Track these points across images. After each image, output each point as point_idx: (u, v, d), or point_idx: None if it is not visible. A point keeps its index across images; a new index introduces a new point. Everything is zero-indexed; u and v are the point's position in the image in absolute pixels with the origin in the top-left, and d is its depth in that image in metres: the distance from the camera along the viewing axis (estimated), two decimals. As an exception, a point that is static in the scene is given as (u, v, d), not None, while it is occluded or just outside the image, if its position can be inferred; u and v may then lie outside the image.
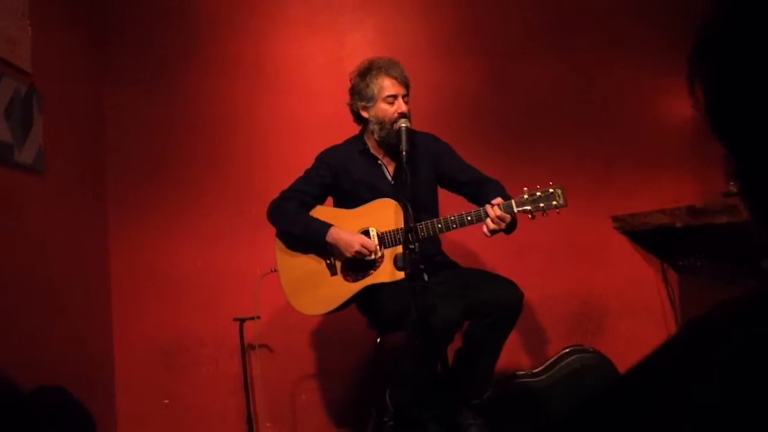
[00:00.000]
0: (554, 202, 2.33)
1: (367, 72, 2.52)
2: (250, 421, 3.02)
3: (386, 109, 2.48)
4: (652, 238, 3.47)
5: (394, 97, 2.48)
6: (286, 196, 2.61)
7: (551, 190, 2.34)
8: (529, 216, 2.35)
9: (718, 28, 0.49)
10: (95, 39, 3.26)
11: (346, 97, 3.38)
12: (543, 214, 2.35)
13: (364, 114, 2.55)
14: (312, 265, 2.56)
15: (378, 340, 2.63)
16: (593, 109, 3.59)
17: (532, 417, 2.94)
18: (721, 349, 0.47)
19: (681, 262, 3.43)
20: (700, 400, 0.45)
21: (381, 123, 2.51)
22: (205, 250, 3.25)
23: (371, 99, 2.50)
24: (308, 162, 2.71)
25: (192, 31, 3.37)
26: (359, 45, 3.48)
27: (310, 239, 2.54)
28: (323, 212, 2.61)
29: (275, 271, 2.62)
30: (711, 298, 0.52)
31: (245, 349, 3.07)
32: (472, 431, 2.46)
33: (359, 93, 2.53)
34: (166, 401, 3.18)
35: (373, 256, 2.48)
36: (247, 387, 3.08)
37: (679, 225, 2.94)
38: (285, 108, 3.38)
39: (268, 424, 3.20)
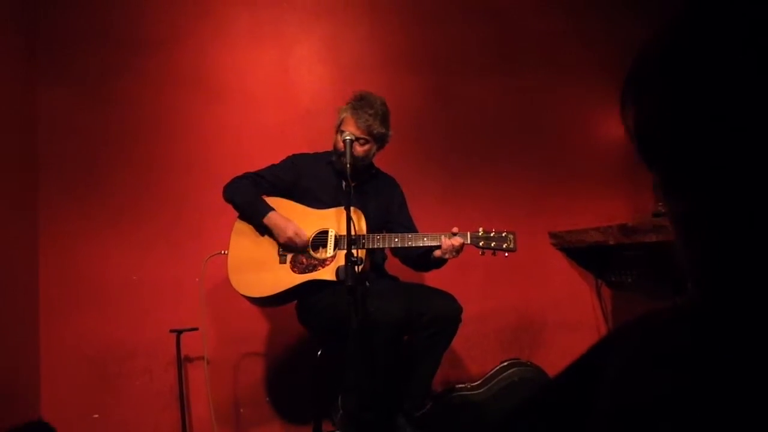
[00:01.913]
0: (505, 245, 2.48)
1: (348, 102, 2.63)
2: (184, 435, 2.94)
3: (338, 141, 2.59)
4: (586, 255, 3.60)
5: None
6: (246, 175, 2.68)
7: (504, 234, 2.49)
8: (480, 252, 2.49)
9: (652, 57, 0.52)
10: (28, 41, 3.13)
11: (290, 109, 3.41)
12: (493, 254, 2.50)
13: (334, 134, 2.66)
14: (263, 249, 2.58)
15: (319, 352, 2.62)
16: (532, 129, 3.70)
17: (470, 429, 2.98)
18: (641, 349, 0.50)
19: (613, 278, 3.56)
20: (624, 396, 0.47)
21: (335, 149, 2.64)
22: (140, 260, 3.16)
23: (337, 126, 2.63)
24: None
25: (132, 37, 3.28)
26: (305, 57, 3.48)
27: (250, 215, 2.60)
28: (289, 205, 2.63)
29: (224, 253, 2.62)
30: (640, 312, 0.56)
31: (181, 361, 2.99)
32: (410, 444, 2.48)
33: (338, 116, 2.65)
34: (96, 415, 3.06)
35: (321, 255, 2.51)
36: (182, 400, 2.99)
37: (611, 243, 3.06)
38: (227, 118, 3.33)
39: (203, 439, 3.12)
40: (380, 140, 2.64)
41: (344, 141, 2.45)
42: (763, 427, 0.39)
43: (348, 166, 2.37)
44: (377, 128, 2.57)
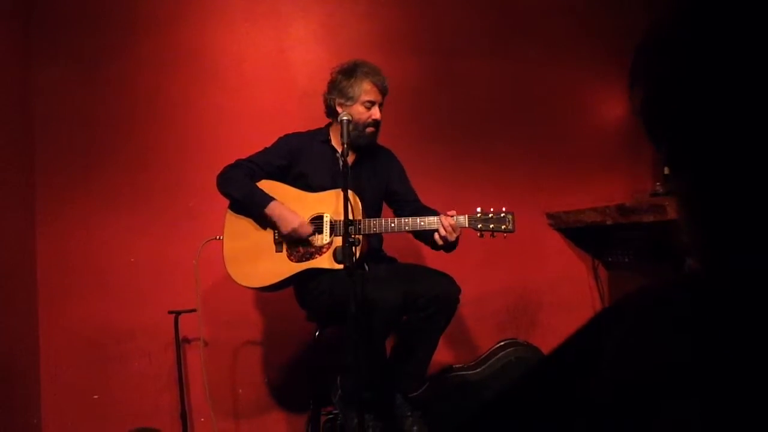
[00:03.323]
0: (503, 226, 2.44)
1: (352, 72, 2.58)
2: (184, 416, 2.96)
3: (362, 112, 2.55)
4: (584, 235, 3.60)
5: (372, 103, 2.56)
6: (239, 164, 2.62)
7: (503, 215, 2.45)
8: (478, 234, 2.45)
9: (661, 36, 0.52)
10: (23, 21, 3.09)
11: (288, 89, 3.37)
12: (491, 236, 2.45)
13: (339, 109, 2.59)
14: (259, 237, 2.55)
15: (317, 333, 2.63)
16: (531, 109, 3.69)
17: (467, 408, 3.00)
18: (641, 322, 0.50)
19: (610, 258, 3.57)
20: (624, 367, 0.48)
21: (355, 124, 2.55)
22: (138, 242, 3.15)
23: (350, 98, 2.56)
24: (246, 154, 2.67)
25: (127, 17, 3.24)
26: (302, 36, 3.45)
27: (249, 207, 2.55)
28: (283, 189, 2.60)
29: (219, 238, 2.59)
30: (635, 288, 0.56)
31: (180, 343, 3.00)
32: (408, 423, 2.50)
33: (340, 90, 2.58)
34: (96, 396, 3.08)
35: (318, 242, 2.50)
36: (181, 381, 3.01)
37: (609, 222, 3.06)
38: (223, 98, 3.30)
39: (202, 419, 3.15)
40: None
41: (341, 122, 2.41)
42: (763, 397, 0.40)
43: (345, 146, 2.35)
44: (387, 86, 2.60)
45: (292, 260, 2.51)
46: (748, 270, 0.46)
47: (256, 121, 3.28)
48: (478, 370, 3.13)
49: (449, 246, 2.47)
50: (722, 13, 0.46)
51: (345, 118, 2.42)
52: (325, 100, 2.66)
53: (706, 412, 0.41)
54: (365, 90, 2.54)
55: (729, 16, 0.46)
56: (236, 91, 3.33)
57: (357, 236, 2.27)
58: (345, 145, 2.35)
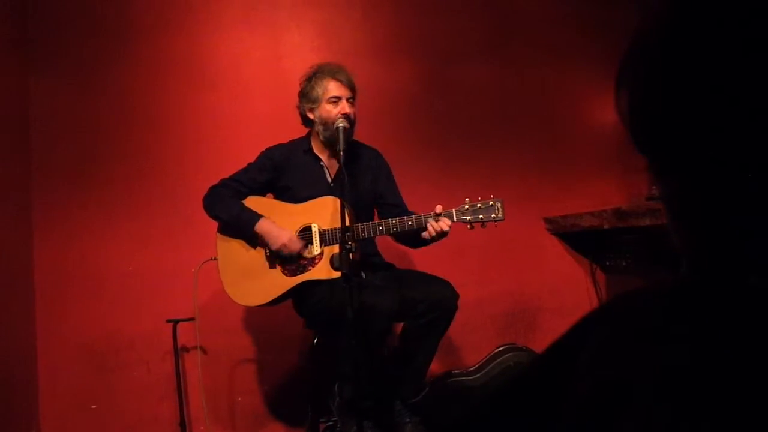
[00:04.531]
0: (493, 215, 2.40)
1: (313, 75, 2.59)
2: (183, 424, 2.95)
3: (330, 110, 2.54)
4: (581, 239, 3.61)
5: (338, 98, 2.54)
6: (224, 184, 2.62)
7: (491, 203, 2.41)
8: (468, 227, 2.42)
9: (646, 42, 0.52)
10: (19, 31, 3.10)
11: (284, 96, 3.37)
12: (482, 226, 2.42)
13: (310, 115, 2.61)
14: (252, 255, 2.55)
15: (315, 340, 2.63)
16: (527, 113, 3.70)
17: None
18: (622, 324, 0.50)
19: (608, 262, 3.57)
20: (602, 370, 0.48)
21: (325, 123, 2.56)
22: (136, 251, 3.15)
23: (316, 100, 2.56)
24: (243, 162, 2.68)
25: (123, 25, 3.25)
26: (298, 43, 3.46)
27: (238, 227, 2.54)
28: (269, 204, 2.60)
29: (215, 259, 2.59)
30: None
31: (178, 351, 3.00)
32: (407, 429, 2.49)
33: (306, 95, 2.59)
34: (94, 406, 3.07)
35: (309, 254, 2.49)
36: (180, 390, 3.00)
37: (606, 227, 3.06)
38: (220, 106, 3.31)
39: (202, 428, 3.13)
40: None
41: (337, 129, 2.43)
42: (745, 399, 0.40)
43: (341, 153, 2.35)
44: (354, 81, 2.59)
45: (286, 274, 2.51)
46: (739, 274, 0.47)
47: (253, 129, 3.29)
48: (477, 375, 3.12)
49: (427, 242, 2.47)
50: (707, 19, 0.46)
51: (341, 125, 2.43)
52: (298, 111, 2.67)
53: (676, 419, 0.41)
54: (327, 88, 2.54)
55: (714, 22, 0.46)
56: (233, 99, 3.34)
57: (351, 242, 2.27)
58: (342, 152, 2.35)
